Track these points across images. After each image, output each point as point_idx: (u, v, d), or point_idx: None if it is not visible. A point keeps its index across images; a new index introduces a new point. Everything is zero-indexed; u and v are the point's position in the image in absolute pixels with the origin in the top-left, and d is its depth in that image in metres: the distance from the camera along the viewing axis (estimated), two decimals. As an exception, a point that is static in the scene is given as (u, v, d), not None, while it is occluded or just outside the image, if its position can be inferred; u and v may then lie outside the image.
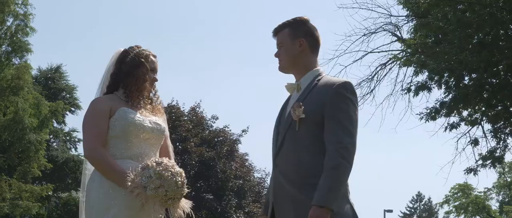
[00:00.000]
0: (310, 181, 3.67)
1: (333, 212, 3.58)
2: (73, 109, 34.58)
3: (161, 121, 4.35)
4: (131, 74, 4.26)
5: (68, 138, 34.97)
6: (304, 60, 3.94)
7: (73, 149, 34.96)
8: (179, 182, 3.89)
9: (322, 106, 3.74)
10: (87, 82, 58.14)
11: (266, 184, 35.50)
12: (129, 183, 3.89)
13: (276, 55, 4.01)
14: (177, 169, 3.96)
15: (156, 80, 4.37)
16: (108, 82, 4.37)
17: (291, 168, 3.76)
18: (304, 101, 3.79)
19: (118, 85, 4.31)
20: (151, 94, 4.41)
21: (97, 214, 4.08)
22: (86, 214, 4.19)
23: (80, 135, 35.12)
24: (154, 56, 4.39)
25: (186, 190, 4.02)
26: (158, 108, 4.41)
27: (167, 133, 4.40)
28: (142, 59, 4.29)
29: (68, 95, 35.06)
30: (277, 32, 4.02)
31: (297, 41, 3.94)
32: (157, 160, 3.96)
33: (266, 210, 3.96)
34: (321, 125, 3.73)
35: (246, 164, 32.43)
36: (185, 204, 4.10)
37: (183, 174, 3.98)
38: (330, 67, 26.61)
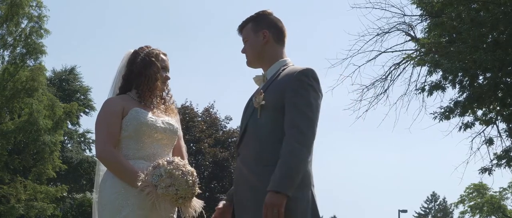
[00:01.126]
0: (269, 168, 3.60)
1: (289, 197, 3.52)
2: (87, 110, 34.71)
3: (174, 121, 4.34)
4: (142, 74, 4.25)
5: (82, 139, 35.08)
6: (269, 51, 3.92)
7: (87, 150, 35.11)
8: (190, 181, 3.87)
9: (283, 93, 3.70)
10: (101, 84, 58.34)
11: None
12: (140, 182, 3.89)
13: (243, 51, 4.01)
14: (189, 168, 3.94)
15: (169, 78, 4.37)
16: (120, 84, 4.37)
17: (251, 155, 3.73)
18: (267, 89, 3.77)
19: (131, 86, 4.31)
20: (164, 94, 4.40)
21: (109, 214, 4.07)
22: (98, 214, 4.19)
23: (94, 136, 35.21)
24: (165, 55, 4.38)
25: (197, 190, 4.01)
26: (171, 108, 4.40)
27: (180, 133, 4.39)
28: (153, 59, 4.29)
29: (82, 97, 35.17)
30: (241, 28, 4.03)
31: (260, 33, 3.93)
32: (168, 159, 3.95)
33: (231, 198, 3.91)
34: (282, 112, 3.68)
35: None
36: (197, 204, 4.08)
37: (195, 173, 3.95)
38: (344, 67, 26.57)
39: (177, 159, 3.95)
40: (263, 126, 3.72)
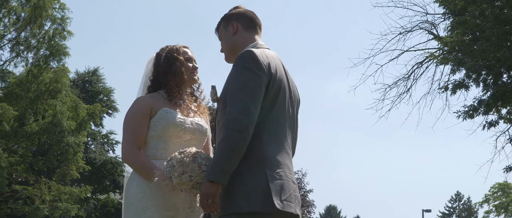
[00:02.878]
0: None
1: (224, 186, 3.49)
2: (110, 111, 34.84)
3: (204, 121, 4.32)
4: (169, 72, 4.25)
5: (105, 140, 35.23)
6: (239, 40, 3.89)
7: (110, 151, 35.24)
8: (203, 165, 3.77)
9: (226, 83, 3.69)
10: (124, 85, 58.65)
11: (303, 185, 35.40)
12: (156, 178, 3.87)
13: (221, 50, 4.01)
14: (202, 154, 3.84)
15: (196, 68, 4.35)
16: (148, 85, 4.38)
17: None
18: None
19: (159, 87, 4.31)
20: (195, 90, 4.41)
21: (134, 214, 4.08)
22: (124, 213, 4.19)
23: (117, 137, 35.35)
24: (185, 47, 4.38)
25: None
26: (202, 107, 4.39)
27: (209, 134, 4.37)
28: (175, 54, 4.29)
29: (105, 98, 35.31)
30: (216, 30, 4.04)
31: (229, 26, 3.93)
32: (181, 150, 3.89)
33: None
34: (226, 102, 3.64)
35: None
36: None
37: (209, 158, 3.83)
38: (366, 66, 26.55)
39: (189, 149, 3.87)
40: (219, 119, 3.72)
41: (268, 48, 3.90)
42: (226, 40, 3.95)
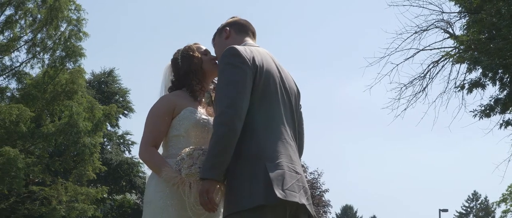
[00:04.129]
0: None
1: (230, 176, 3.56)
2: (126, 111, 34.91)
3: None
4: (189, 72, 4.29)
5: (121, 140, 35.31)
6: (230, 43, 3.91)
7: (126, 152, 35.31)
8: None
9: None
10: (140, 86, 58.86)
11: (319, 184, 35.34)
12: (165, 171, 3.89)
13: (217, 58, 4.15)
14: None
15: (214, 57, 4.36)
16: (169, 85, 4.41)
17: None
18: None
19: (181, 88, 4.34)
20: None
21: (152, 212, 4.10)
22: (143, 210, 4.21)
23: (133, 138, 35.43)
24: (196, 43, 4.42)
25: None
26: None
27: None
28: (190, 52, 4.32)
29: (121, 99, 35.38)
30: (212, 40, 4.17)
31: (223, 33, 4.04)
32: (191, 146, 3.92)
33: None
34: None
35: (298, 164, 32.26)
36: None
37: None
38: (382, 66, 26.52)
39: (200, 145, 3.90)
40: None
41: (257, 46, 3.93)
42: (219, 45, 4.04)
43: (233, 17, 4.12)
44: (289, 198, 3.51)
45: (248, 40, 3.99)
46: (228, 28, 4.04)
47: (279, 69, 3.85)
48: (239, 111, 3.52)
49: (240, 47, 3.71)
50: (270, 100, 3.70)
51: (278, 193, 3.47)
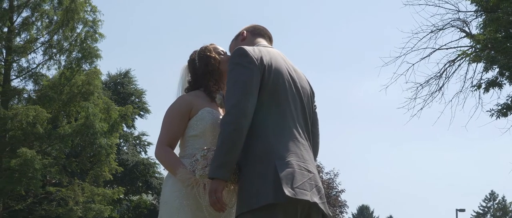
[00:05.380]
0: None
1: (221, 180, 3.55)
2: (142, 112, 34.99)
3: None
4: (206, 72, 4.29)
5: (137, 141, 35.42)
6: (243, 45, 3.92)
7: (143, 153, 35.42)
8: None
9: None
10: (156, 86, 59.01)
11: (335, 185, 35.29)
12: (179, 172, 3.89)
13: None
14: None
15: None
16: (186, 86, 4.42)
17: None
18: None
19: (198, 88, 4.35)
20: None
21: (168, 212, 4.10)
22: (159, 210, 4.22)
23: (149, 139, 35.52)
24: (212, 44, 4.43)
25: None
26: None
27: None
28: (207, 53, 4.33)
29: (137, 100, 35.47)
30: (230, 46, 4.22)
31: (239, 37, 4.10)
32: (205, 147, 3.92)
33: None
34: None
35: (314, 164, 32.17)
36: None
37: None
38: (397, 65, 26.45)
39: (214, 146, 3.90)
40: None
41: (269, 47, 3.96)
42: (233, 48, 4.05)
43: (252, 24, 4.17)
44: (299, 196, 3.50)
45: (262, 41, 4.02)
46: (245, 31, 4.09)
47: (290, 68, 3.85)
48: (245, 110, 3.54)
49: (248, 48, 3.73)
50: (280, 99, 3.70)
51: (287, 191, 3.45)
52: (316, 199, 3.59)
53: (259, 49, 3.76)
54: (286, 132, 3.65)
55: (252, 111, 3.58)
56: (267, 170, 3.53)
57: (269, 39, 4.10)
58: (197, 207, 4.01)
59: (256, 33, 4.08)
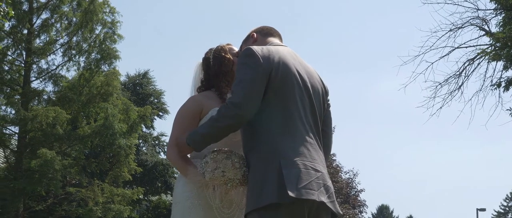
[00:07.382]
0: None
1: (189, 145, 3.84)
2: (161, 113, 35.07)
3: None
4: (219, 73, 4.30)
5: (156, 142, 35.49)
6: (253, 45, 3.94)
7: (161, 153, 35.47)
8: (236, 163, 3.75)
9: None
10: (174, 87, 59.14)
11: (354, 185, 35.19)
12: (189, 174, 3.90)
13: None
14: (236, 153, 3.83)
15: None
16: (199, 85, 4.42)
17: None
18: None
19: (210, 88, 4.36)
20: None
21: (180, 213, 4.12)
22: (172, 210, 4.24)
23: (168, 139, 35.61)
24: (229, 44, 4.44)
25: (247, 173, 3.81)
26: None
27: None
28: (222, 53, 4.34)
29: (155, 100, 35.54)
30: (240, 49, 4.24)
31: (250, 39, 4.11)
32: (215, 149, 3.92)
33: None
34: None
35: (334, 164, 32.19)
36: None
37: (243, 156, 3.82)
38: (416, 64, 26.22)
39: (224, 148, 3.90)
40: None
41: (280, 45, 3.96)
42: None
43: (259, 26, 4.21)
44: (305, 196, 3.49)
45: (273, 40, 4.04)
46: (254, 33, 4.11)
47: (300, 67, 3.83)
48: (244, 109, 3.57)
49: (256, 48, 3.74)
50: (287, 98, 3.68)
51: (291, 192, 3.44)
52: (323, 198, 3.57)
53: (268, 49, 3.76)
54: (292, 131, 3.64)
55: (252, 111, 3.59)
56: (272, 169, 3.53)
57: (279, 37, 4.12)
58: (209, 207, 4.03)
59: (265, 33, 4.10)
